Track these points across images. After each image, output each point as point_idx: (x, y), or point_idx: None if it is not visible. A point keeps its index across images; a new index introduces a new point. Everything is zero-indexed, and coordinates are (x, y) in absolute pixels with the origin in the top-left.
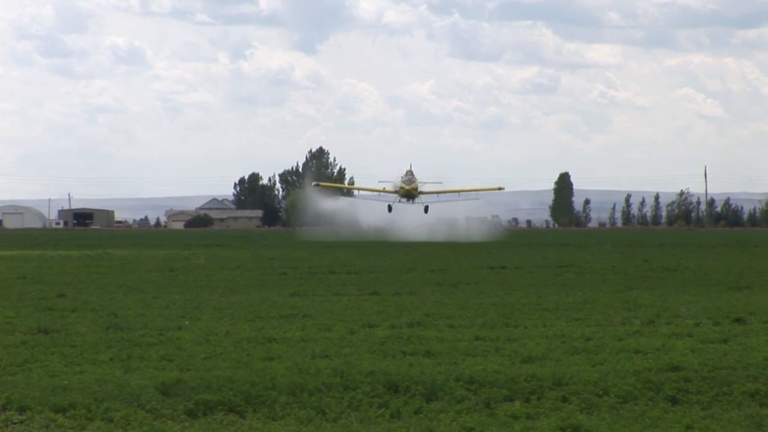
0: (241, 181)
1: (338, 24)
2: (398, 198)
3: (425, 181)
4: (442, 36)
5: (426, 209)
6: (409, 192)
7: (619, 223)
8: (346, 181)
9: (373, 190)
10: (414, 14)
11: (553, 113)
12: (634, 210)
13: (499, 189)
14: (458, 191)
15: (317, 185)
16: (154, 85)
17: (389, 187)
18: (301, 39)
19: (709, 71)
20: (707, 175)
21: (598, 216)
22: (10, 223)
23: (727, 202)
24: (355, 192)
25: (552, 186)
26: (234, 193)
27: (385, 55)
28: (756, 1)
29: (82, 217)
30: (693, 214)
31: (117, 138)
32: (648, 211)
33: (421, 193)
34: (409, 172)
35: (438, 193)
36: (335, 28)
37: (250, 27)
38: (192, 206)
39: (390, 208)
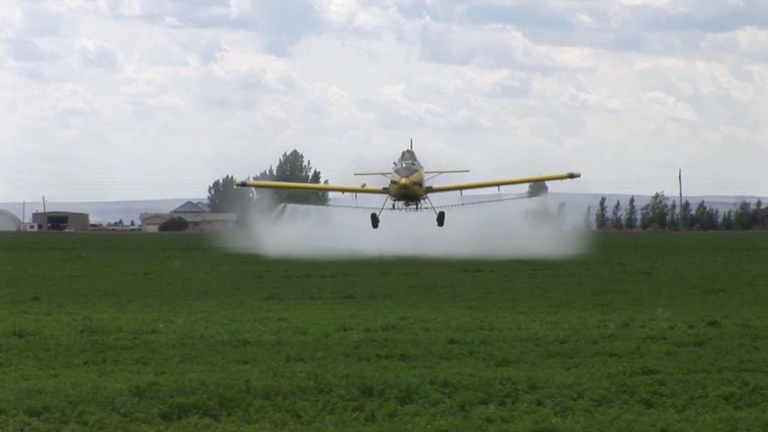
0: (216, 184)
1: (308, 27)
2: (391, 200)
3: (438, 169)
4: (412, 39)
5: (441, 218)
6: (408, 189)
7: (594, 226)
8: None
9: (344, 190)
10: (384, 17)
11: (525, 116)
12: (609, 213)
13: (572, 177)
14: (499, 184)
15: (243, 185)
16: (124, 88)
17: (374, 184)
18: (271, 42)
19: (680, 74)
20: (681, 178)
21: (572, 219)
22: None
23: (701, 205)
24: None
25: (526, 189)
26: (208, 197)
27: (355, 58)
28: (726, 4)
29: (56, 221)
30: (668, 217)
31: (89, 141)
32: (623, 214)
33: (430, 190)
34: (409, 154)
35: (462, 189)
36: (305, 31)
37: (220, 30)
38: (166, 209)
39: (375, 221)
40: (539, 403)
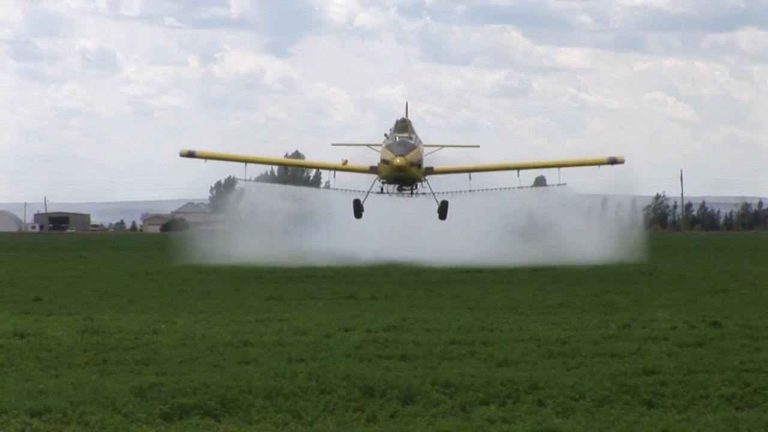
0: (217, 185)
1: (308, 27)
2: (379, 183)
3: (439, 143)
4: (412, 39)
5: (443, 209)
6: (403, 172)
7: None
8: (322, 185)
9: (319, 167)
10: (384, 18)
11: (525, 116)
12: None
13: (613, 162)
14: (520, 167)
15: (190, 155)
16: (124, 88)
17: (358, 162)
18: (271, 42)
19: (680, 75)
20: (683, 179)
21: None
22: None
23: (703, 206)
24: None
25: (530, 183)
26: (210, 197)
27: (355, 59)
28: (726, 4)
29: (57, 221)
30: (669, 218)
31: (89, 141)
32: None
33: (430, 172)
34: (403, 124)
35: (471, 171)
36: (305, 32)
37: (220, 30)
38: (167, 210)
39: (359, 209)
40: (540, 403)
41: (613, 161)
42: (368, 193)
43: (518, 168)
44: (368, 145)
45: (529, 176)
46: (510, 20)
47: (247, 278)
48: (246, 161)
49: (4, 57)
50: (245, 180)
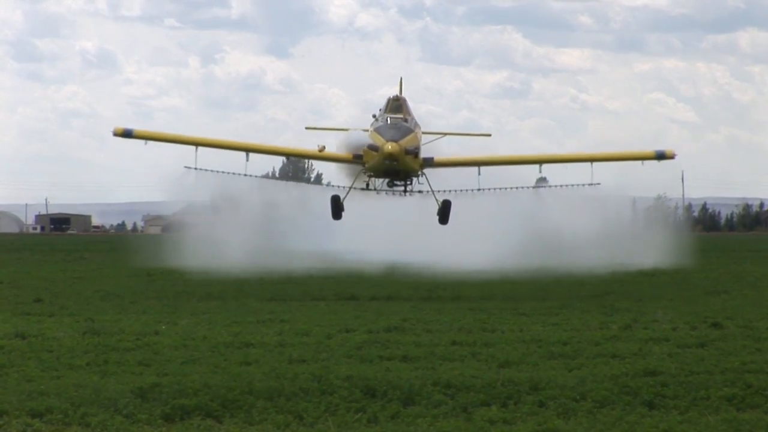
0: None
1: (309, 28)
2: (364, 177)
3: (443, 131)
4: (413, 40)
5: (444, 210)
6: (395, 162)
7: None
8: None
9: (288, 153)
10: (384, 18)
11: (525, 117)
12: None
13: (661, 158)
14: (543, 161)
15: (127, 134)
16: (125, 89)
17: (338, 149)
18: (271, 43)
19: (681, 75)
20: (684, 180)
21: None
22: None
23: (704, 207)
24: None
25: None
26: (211, 198)
27: (355, 60)
28: (727, 5)
29: (59, 222)
30: (670, 219)
31: (90, 142)
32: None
33: (429, 164)
34: (397, 102)
35: (480, 164)
36: (306, 33)
37: (221, 31)
38: (169, 211)
39: (338, 208)
40: (541, 404)
41: (661, 156)
42: (350, 188)
43: (540, 162)
44: (350, 137)
45: (544, 173)
46: (510, 21)
47: (248, 279)
48: (196, 144)
49: (5, 58)
50: (195, 168)
